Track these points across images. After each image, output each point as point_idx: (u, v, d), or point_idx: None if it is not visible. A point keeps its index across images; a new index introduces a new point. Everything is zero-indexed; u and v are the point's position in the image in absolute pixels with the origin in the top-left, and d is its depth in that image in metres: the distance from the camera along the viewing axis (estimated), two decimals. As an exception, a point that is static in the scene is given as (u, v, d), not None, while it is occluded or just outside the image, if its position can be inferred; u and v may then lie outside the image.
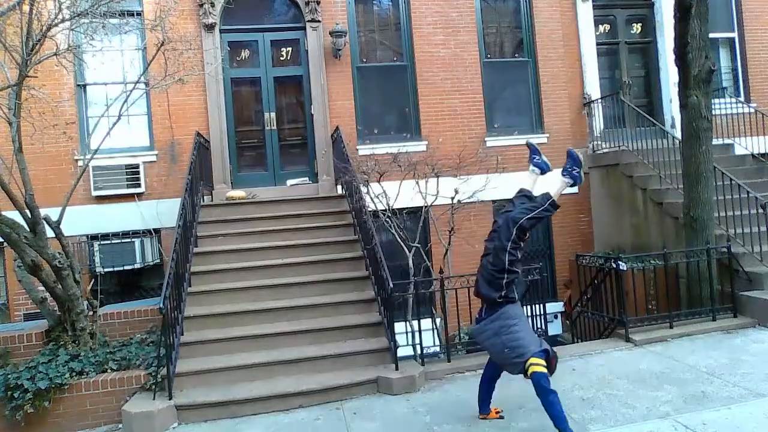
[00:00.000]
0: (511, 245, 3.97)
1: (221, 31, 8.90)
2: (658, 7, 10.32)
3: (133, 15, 8.26)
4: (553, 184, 4.24)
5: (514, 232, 3.98)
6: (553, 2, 9.88)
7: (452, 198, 7.33)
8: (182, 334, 5.74)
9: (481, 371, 4.38)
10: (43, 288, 5.87)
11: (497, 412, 4.40)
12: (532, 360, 3.83)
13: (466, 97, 9.49)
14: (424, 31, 9.42)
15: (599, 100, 9.77)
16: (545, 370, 3.83)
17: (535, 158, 4.45)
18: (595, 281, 7.08)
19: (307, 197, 8.35)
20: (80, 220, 8.00)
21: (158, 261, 8.42)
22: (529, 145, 4.62)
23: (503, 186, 8.40)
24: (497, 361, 4.20)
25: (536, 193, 4.33)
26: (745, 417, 4.08)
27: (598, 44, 10.10)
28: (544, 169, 4.42)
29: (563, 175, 4.28)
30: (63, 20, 5.83)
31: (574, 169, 4.24)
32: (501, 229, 4.05)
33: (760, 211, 6.74)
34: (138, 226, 8.36)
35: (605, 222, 9.38)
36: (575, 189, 9.49)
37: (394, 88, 9.50)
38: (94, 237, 8.22)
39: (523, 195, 4.31)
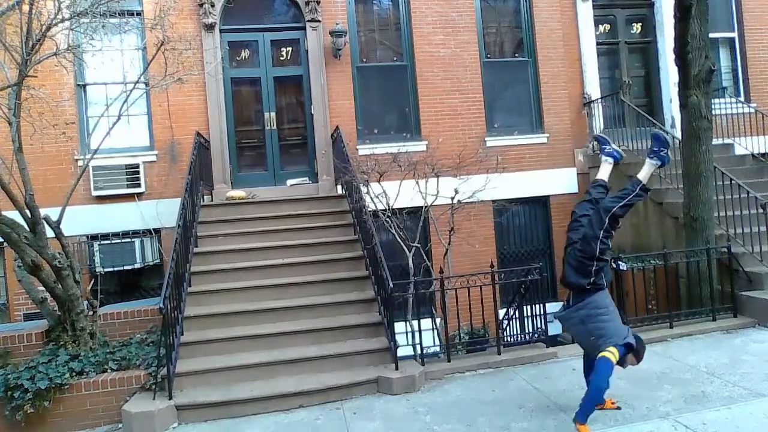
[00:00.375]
0: (604, 234, 4.00)
1: (221, 31, 8.90)
2: (658, 7, 10.33)
3: (132, 15, 8.25)
4: (642, 168, 4.28)
5: (607, 221, 4.01)
6: (553, 2, 9.88)
7: (452, 198, 7.32)
8: (182, 334, 5.74)
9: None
10: (43, 288, 5.86)
11: (612, 403, 4.42)
12: (609, 348, 3.90)
13: (466, 97, 9.49)
14: (424, 31, 9.42)
15: (599, 100, 9.78)
16: (614, 362, 3.88)
17: (605, 148, 4.50)
18: (596, 281, 7.07)
19: (307, 197, 8.35)
20: (80, 220, 8.01)
21: (158, 261, 8.42)
22: (597, 138, 4.66)
23: (503, 186, 8.46)
24: (581, 345, 4.28)
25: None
26: (745, 417, 4.08)
27: (598, 44, 10.09)
28: (616, 158, 4.47)
29: (650, 157, 4.27)
30: (63, 20, 5.82)
31: (662, 150, 4.24)
32: (592, 219, 4.09)
33: (760, 211, 6.75)
34: (138, 226, 8.36)
35: (605, 222, 9.35)
36: (575, 189, 9.66)
37: (394, 88, 9.50)
38: (94, 237, 8.23)
39: (599, 185, 4.39)
